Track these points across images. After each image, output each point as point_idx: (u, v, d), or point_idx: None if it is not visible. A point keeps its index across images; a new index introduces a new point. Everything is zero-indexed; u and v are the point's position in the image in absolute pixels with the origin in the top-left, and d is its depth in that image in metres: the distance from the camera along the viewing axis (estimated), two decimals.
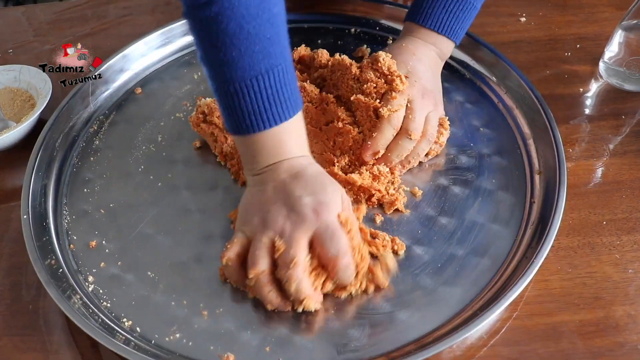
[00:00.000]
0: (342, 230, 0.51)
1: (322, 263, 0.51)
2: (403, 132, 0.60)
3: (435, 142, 0.63)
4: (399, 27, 0.76)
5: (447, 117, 0.65)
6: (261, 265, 0.50)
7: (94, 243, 0.59)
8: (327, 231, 0.50)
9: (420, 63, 0.64)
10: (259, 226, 0.51)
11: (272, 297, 0.51)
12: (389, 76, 0.61)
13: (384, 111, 0.60)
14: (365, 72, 0.63)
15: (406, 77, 0.62)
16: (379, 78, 0.62)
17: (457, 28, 0.65)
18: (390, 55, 0.63)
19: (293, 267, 0.49)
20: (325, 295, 0.53)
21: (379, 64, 0.62)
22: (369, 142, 0.60)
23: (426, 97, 0.62)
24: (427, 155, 0.64)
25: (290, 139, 0.54)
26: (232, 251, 0.52)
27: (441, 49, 0.66)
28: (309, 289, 0.50)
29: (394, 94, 0.60)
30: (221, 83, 0.52)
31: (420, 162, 0.64)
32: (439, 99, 0.65)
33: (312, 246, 0.51)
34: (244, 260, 0.52)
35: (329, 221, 0.50)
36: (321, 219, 0.50)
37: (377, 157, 0.61)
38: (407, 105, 0.61)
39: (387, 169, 0.61)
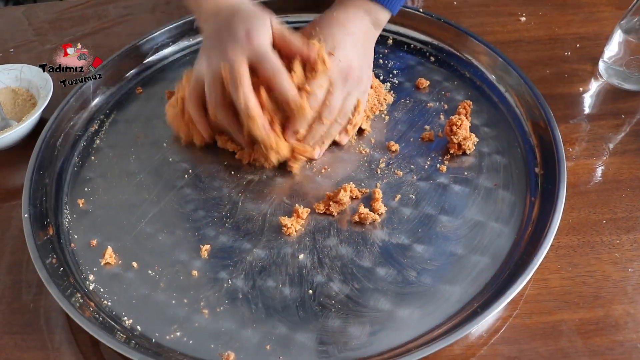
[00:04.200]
0: (273, 53, 0.57)
1: (266, 84, 0.58)
2: (318, 117, 0.61)
3: (350, 123, 0.65)
4: (400, 26, 0.76)
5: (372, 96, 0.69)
6: (214, 92, 0.59)
7: (94, 242, 0.59)
8: (259, 54, 0.57)
9: (349, 36, 0.63)
10: (207, 63, 0.59)
11: (232, 125, 0.61)
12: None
13: (303, 93, 0.60)
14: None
15: (330, 53, 0.61)
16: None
17: None
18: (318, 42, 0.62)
19: (237, 81, 0.56)
20: (326, 293, 0.53)
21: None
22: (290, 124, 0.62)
23: (349, 77, 0.62)
24: (344, 136, 0.66)
25: None
26: (192, 97, 0.62)
27: (376, 17, 0.65)
28: (256, 105, 0.57)
29: (315, 74, 0.60)
30: None
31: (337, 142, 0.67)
32: (365, 75, 0.65)
33: (253, 71, 0.58)
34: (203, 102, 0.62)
35: (261, 44, 0.57)
36: (253, 43, 0.57)
37: (297, 137, 0.63)
38: (328, 87, 0.61)
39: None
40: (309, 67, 0.60)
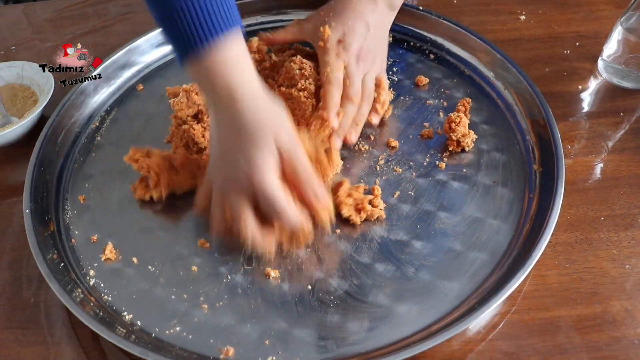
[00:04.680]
0: (278, 193, 0.52)
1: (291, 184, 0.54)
2: (345, 98, 0.63)
3: (377, 102, 0.66)
4: (399, 24, 0.76)
5: (387, 79, 0.68)
6: (219, 225, 0.56)
7: (95, 237, 0.59)
8: (264, 199, 0.52)
9: (359, 21, 0.64)
10: (214, 178, 0.56)
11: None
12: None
13: (324, 75, 0.62)
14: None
15: (340, 41, 0.63)
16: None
17: None
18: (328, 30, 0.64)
19: (243, 227, 0.53)
20: (325, 289, 0.54)
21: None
22: (321, 110, 0.62)
23: (361, 59, 0.64)
24: (374, 115, 0.67)
25: (236, 61, 0.53)
26: (201, 200, 0.58)
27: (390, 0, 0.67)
28: (260, 239, 0.54)
29: (326, 58, 0.62)
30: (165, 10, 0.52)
31: (370, 125, 0.67)
32: (378, 56, 0.66)
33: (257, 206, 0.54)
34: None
35: (263, 188, 0.52)
36: (255, 185, 0.52)
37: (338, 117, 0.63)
38: (344, 70, 0.63)
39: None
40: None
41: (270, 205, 0.52)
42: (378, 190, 0.60)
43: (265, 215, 0.54)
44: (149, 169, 0.60)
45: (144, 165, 0.61)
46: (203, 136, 0.64)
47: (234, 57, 0.53)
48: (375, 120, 0.67)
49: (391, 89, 0.71)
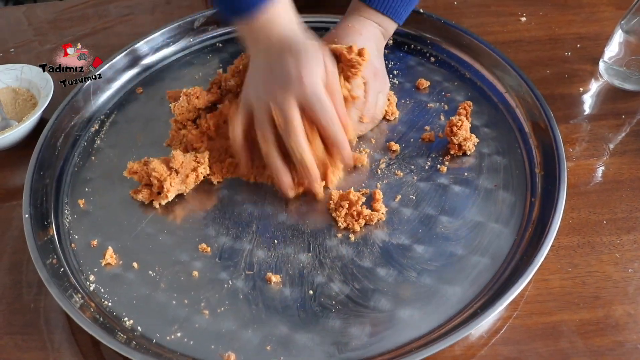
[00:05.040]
0: (327, 97, 0.55)
1: (316, 126, 0.57)
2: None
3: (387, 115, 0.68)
4: (401, 29, 0.76)
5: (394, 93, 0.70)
6: (266, 131, 0.57)
7: (95, 242, 0.59)
8: (312, 97, 0.55)
9: (368, 42, 0.66)
10: (255, 97, 0.58)
11: (280, 168, 0.58)
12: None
13: (347, 94, 0.62)
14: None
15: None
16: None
17: (401, 10, 0.68)
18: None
19: (290, 125, 0.55)
20: (326, 294, 0.53)
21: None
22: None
23: (377, 76, 0.65)
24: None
25: (284, 10, 0.59)
26: (237, 128, 0.59)
27: (385, 28, 0.69)
28: (310, 158, 0.56)
29: (354, 72, 0.62)
30: None
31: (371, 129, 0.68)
32: (385, 77, 0.68)
33: (304, 111, 0.56)
34: (248, 133, 0.60)
35: (313, 86, 0.55)
36: (304, 85, 0.54)
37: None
38: (363, 86, 0.64)
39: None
40: (347, 66, 0.62)
41: (319, 106, 0.54)
42: (379, 194, 0.60)
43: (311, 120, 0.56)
44: (149, 177, 0.60)
45: (144, 175, 0.61)
46: (202, 141, 0.64)
47: (284, 11, 0.58)
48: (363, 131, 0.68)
49: (392, 92, 0.71)
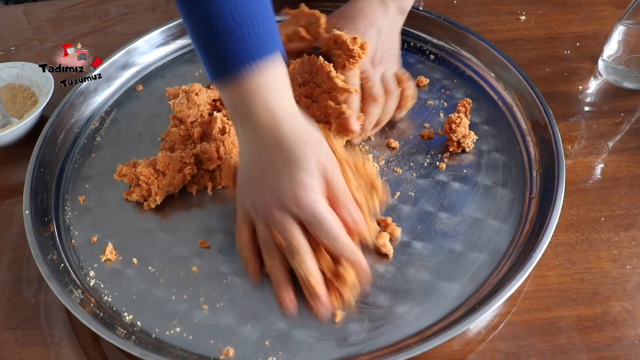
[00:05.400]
0: (327, 214, 0.49)
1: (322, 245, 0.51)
2: (369, 98, 0.63)
3: (404, 96, 0.67)
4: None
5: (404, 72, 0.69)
6: (271, 252, 0.52)
7: (95, 238, 0.59)
8: (312, 219, 0.49)
9: (371, 27, 0.65)
10: (253, 209, 0.53)
11: (282, 284, 0.52)
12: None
13: (339, 82, 0.62)
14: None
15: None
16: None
17: None
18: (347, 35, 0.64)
19: (297, 254, 0.50)
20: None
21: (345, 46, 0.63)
22: (345, 117, 0.62)
23: (376, 62, 0.65)
24: (400, 110, 0.67)
25: (277, 85, 0.52)
26: (244, 238, 0.54)
27: (400, 4, 0.67)
28: (319, 281, 0.50)
29: (352, 62, 0.62)
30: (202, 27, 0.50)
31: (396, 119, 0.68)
32: (391, 58, 0.67)
33: (305, 228, 0.51)
34: (254, 239, 0.54)
35: (312, 207, 0.49)
36: (302, 207, 0.49)
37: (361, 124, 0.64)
38: (361, 75, 0.64)
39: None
40: (346, 55, 0.63)
41: (320, 227, 0.49)
42: (389, 220, 0.59)
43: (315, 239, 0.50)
44: (138, 180, 0.61)
45: (132, 178, 0.61)
46: (185, 144, 0.64)
47: (277, 80, 0.51)
48: (401, 115, 0.68)
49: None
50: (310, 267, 0.50)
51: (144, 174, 0.60)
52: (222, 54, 0.50)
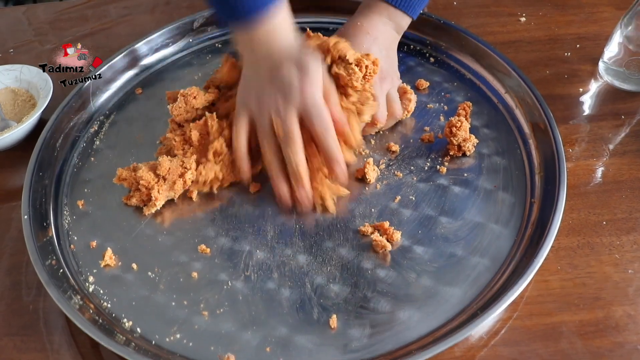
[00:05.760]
0: (325, 107, 0.57)
1: (313, 138, 0.57)
2: (372, 120, 0.64)
3: (407, 110, 0.68)
4: None
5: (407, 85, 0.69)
6: (270, 140, 0.58)
7: (94, 243, 0.59)
8: (313, 108, 0.56)
9: (375, 43, 0.66)
10: (257, 105, 0.59)
11: (280, 177, 0.59)
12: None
13: (355, 104, 0.62)
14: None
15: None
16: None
17: (415, 3, 0.67)
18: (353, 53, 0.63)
19: (290, 137, 0.56)
20: (326, 295, 0.53)
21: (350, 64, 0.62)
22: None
23: (383, 79, 0.65)
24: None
25: (283, 22, 0.58)
26: (242, 137, 0.59)
27: (398, 23, 0.68)
28: (305, 170, 0.57)
29: (357, 84, 0.61)
30: None
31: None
32: (394, 74, 0.68)
33: (302, 122, 0.57)
34: (249, 141, 0.60)
35: (314, 98, 0.56)
36: (307, 96, 0.56)
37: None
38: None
39: None
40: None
41: (316, 115, 0.56)
42: (386, 225, 0.59)
43: (309, 130, 0.57)
44: (138, 184, 0.60)
45: (132, 182, 0.61)
46: (183, 149, 0.63)
47: (280, 23, 0.58)
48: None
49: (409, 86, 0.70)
50: (301, 157, 0.57)
51: (145, 179, 0.60)
52: (233, 6, 0.56)
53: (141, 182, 0.60)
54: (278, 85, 0.57)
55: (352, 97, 0.61)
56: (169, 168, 0.60)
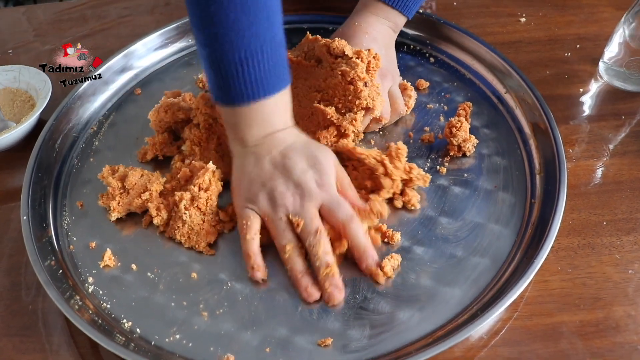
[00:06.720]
0: (343, 199, 0.55)
1: (335, 230, 0.55)
2: (375, 118, 0.64)
3: (408, 106, 0.69)
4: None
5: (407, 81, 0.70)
6: (290, 240, 0.54)
7: (93, 244, 0.59)
8: (333, 202, 0.55)
9: (374, 42, 0.66)
10: (269, 204, 0.55)
11: (301, 268, 0.54)
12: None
13: (360, 101, 0.62)
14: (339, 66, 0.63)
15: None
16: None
17: (410, 3, 0.67)
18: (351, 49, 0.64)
19: (318, 234, 0.53)
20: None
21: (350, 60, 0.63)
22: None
23: (384, 76, 0.65)
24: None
25: (281, 110, 0.58)
26: (254, 241, 0.55)
27: (394, 22, 0.69)
28: (331, 253, 0.54)
29: (360, 83, 0.61)
30: (223, 52, 0.53)
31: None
32: (394, 71, 0.68)
33: (322, 217, 0.55)
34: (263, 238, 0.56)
35: (332, 192, 0.55)
36: (325, 190, 0.55)
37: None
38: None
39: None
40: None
41: (338, 206, 0.54)
42: (383, 227, 0.59)
43: (331, 224, 0.55)
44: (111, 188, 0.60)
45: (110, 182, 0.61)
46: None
47: (281, 108, 0.57)
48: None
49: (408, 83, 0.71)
50: (328, 246, 0.54)
51: (112, 185, 0.60)
52: (232, 87, 0.54)
53: (108, 188, 0.60)
54: (294, 184, 0.55)
55: (363, 92, 0.61)
56: (135, 183, 0.60)
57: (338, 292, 0.53)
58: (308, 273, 0.54)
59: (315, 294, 0.53)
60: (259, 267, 0.54)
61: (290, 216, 0.54)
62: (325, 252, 0.53)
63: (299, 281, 0.54)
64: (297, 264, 0.54)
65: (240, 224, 0.56)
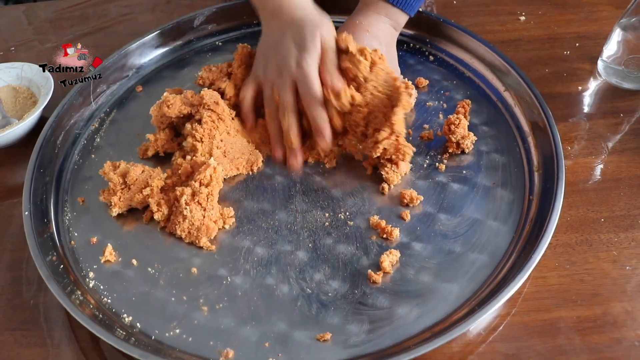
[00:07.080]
0: (315, 79, 0.61)
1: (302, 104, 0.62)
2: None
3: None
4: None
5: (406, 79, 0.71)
6: (270, 105, 0.65)
7: (94, 239, 0.59)
8: (302, 80, 0.61)
9: (375, 40, 0.66)
10: (263, 76, 0.65)
11: (277, 137, 0.65)
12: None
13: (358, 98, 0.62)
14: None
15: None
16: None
17: (412, 1, 0.68)
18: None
19: (282, 110, 0.62)
20: (325, 291, 0.54)
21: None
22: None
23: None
24: None
25: None
26: (248, 95, 0.66)
27: (396, 20, 0.69)
28: (294, 128, 0.62)
29: (366, 73, 0.62)
30: None
31: None
32: (395, 69, 0.69)
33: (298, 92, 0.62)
34: (255, 100, 0.67)
35: (306, 71, 0.61)
36: (299, 68, 0.61)
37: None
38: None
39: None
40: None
41: (305, 85, 0.60)
42: (383, 223, 0.59)
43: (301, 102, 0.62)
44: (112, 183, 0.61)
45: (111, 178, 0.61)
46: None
47: None
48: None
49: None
50: (292, 121, 0.62)
51: (113, 181, 0.60)
52: None
53: (110, 183, 0.60)
54: (280, 56, 0.63)
55: (371, 82, 0.62)
56: (136, 179, 0.60)
57: (294, 162, 0.63)
58: (281, 139, 0.64)
59: (279, 161, 0.65)
60: (248, 124, 0.66)
61: (273, 87, 0.64)
62: (285, 121, 0.62)
63: (272, 144, 0.65)
64: (273, 128, 0.65)
65: (243, 86, 0.67)
